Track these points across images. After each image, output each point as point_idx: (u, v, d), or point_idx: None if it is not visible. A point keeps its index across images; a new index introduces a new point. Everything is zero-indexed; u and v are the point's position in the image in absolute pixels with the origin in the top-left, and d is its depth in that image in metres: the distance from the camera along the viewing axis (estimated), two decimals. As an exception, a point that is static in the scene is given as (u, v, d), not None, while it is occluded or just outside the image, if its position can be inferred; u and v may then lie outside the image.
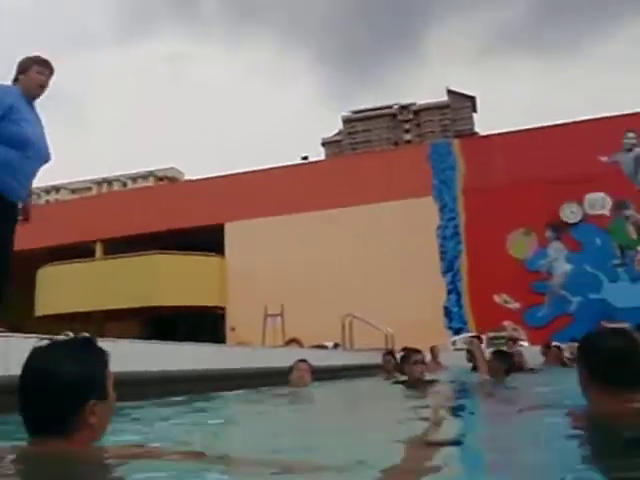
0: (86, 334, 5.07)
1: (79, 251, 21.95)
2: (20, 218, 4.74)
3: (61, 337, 1.86)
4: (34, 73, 4.50)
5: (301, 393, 5.56)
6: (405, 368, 5.88)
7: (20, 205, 4.70)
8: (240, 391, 5.69)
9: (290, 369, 5.86)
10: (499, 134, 19.58)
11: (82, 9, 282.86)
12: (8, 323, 4.33)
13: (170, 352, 5.76)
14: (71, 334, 4.82)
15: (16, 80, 4.53)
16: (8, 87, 4.46)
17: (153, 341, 5.85)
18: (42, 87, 4.58)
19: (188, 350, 6.07)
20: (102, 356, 1.85)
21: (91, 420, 1.71)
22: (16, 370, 2.63)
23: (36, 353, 1.77)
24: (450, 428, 2.74)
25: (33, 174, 4.64)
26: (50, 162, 4.85)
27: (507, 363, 5.92)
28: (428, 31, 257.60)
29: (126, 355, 4.67)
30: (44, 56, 4.61)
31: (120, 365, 4.37)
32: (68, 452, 1.67)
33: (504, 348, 8.22)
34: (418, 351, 6.00)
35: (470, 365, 9.69)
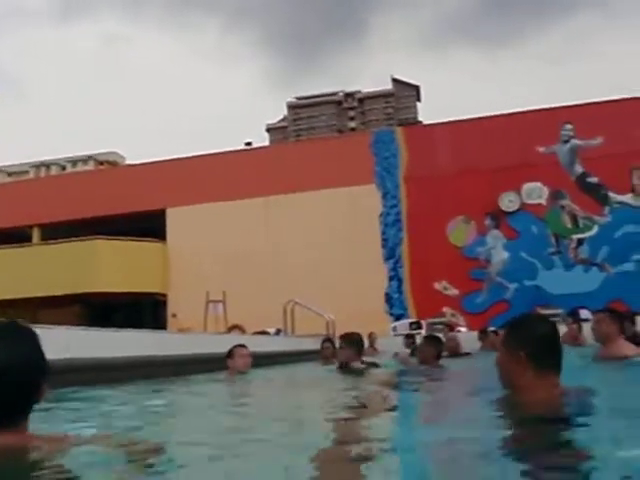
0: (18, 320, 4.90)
1: (15, 236, 21.32)
2: None
3: None
4: None
5: (242, 378, 5.55)
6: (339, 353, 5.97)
7: None
8: (176, 378, 5.66)
9: (228, 354, 5.78)
10: (441, 123, 19.87)
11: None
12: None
13: (108, 339, 5.68)
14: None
15: None
16: None
17: (89, 327, 5.76)
18: None
19: (126, 337, 6.00)
20: (37, 337, 1.73)
21: (38, 403, 1.65)
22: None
23: None
24: (380, 409, 2.79)
25: None
26: None
27: (437, 348, 6.03)
28: (373, 19, 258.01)
29: (61, 342, 4.58)
30: None
31: (56, 352, 4.30)
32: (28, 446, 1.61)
33: (440, 335, 8.39)
34: (356, 335, 6.06)
35: (408, 351, 9.91)
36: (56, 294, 18.92)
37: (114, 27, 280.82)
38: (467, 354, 9.19)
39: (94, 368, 4.92)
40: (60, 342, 4.59)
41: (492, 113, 19.16)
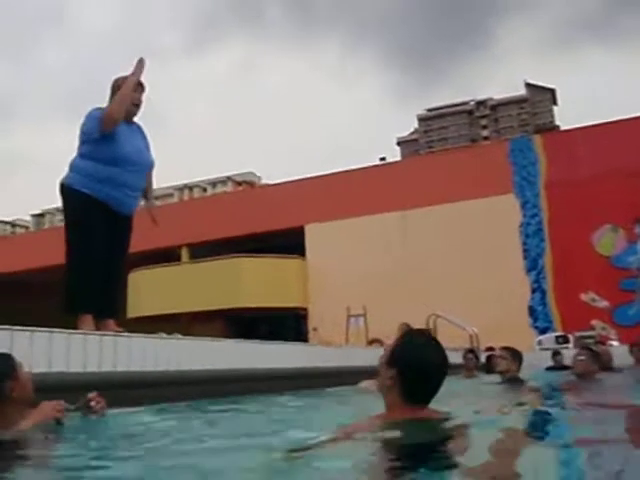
0: (178, 335, 5.34)
1: (167, 256, 22.76)
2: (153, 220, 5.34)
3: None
4: None
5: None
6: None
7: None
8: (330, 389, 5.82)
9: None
10: (581, 128, 19.08)
11: (151, 25, 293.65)
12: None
13: (266, 351, 5.97)
14: (164, 334, 5.15)
15: (111, 99, 4.81)
16: (102, 110, 4.74)
17: (239, 340, 6.05)
18: (135, 105, 4.87)
19: (283, 349, 6.29)
20: None
21: None
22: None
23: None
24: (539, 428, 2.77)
25: (139, 185, 4.99)
26: (154, 167, 5.25)
27: (597, 362, 5.69)
28: (496, 24, 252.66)
29: (211, 353, 4.90)
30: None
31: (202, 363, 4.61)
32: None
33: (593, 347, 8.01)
34: (516, 350, 5.99)
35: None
36: (204, 309, 20.02)
37: (242, 52, 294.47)
38: (619, 369, 8.71)
39: (257, 378, 5.18)
40: (215, 354, 4.93)
41: (634, 115, 18.18)
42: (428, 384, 2.30)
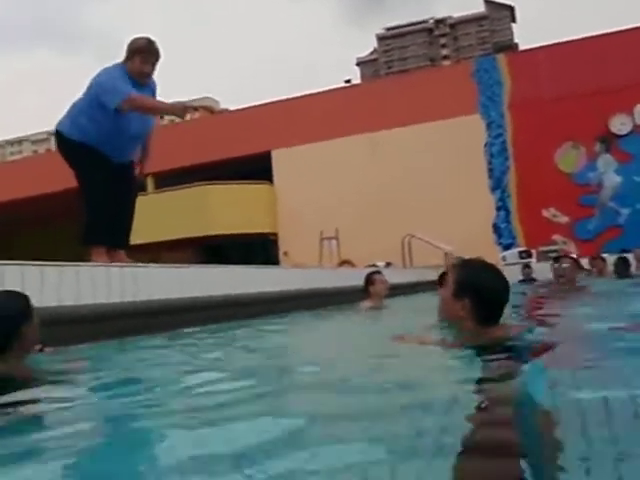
0: (152, 264, 5.59)
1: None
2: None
3: None
4: (137, 63, 4.80)
5: (381, 308, 5.92)
6: None
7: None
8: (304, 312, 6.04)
9: (368, 281, 6.05)
10: (544, 47, 19.09)
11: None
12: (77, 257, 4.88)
13: (237, 275, 6.12)
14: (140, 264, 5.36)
15: (127, 59, 4.85)
16: (119, 73, 4.78)
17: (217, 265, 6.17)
18: (145, 75, 4.90)
19: (252, 273, 6.46)
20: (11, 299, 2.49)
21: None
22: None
23: None
24: None
25: (136, 145, 5.21)
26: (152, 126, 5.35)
27: (579, 268, 5.93)
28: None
29: (183, 281, 5.06)
30: (149, 37, 4.89)
31: (179, 291, 4.80)
32: None
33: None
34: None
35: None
36: (173, 238, 20.03)
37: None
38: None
39: (222, 305, 5.29)
40: (189, 281, 5.10)
41: (595, 33, 18.28)
42: (500, 306, 2.46)
